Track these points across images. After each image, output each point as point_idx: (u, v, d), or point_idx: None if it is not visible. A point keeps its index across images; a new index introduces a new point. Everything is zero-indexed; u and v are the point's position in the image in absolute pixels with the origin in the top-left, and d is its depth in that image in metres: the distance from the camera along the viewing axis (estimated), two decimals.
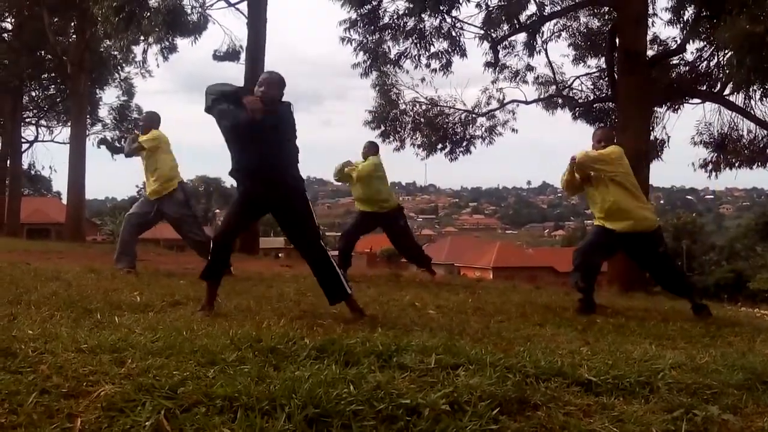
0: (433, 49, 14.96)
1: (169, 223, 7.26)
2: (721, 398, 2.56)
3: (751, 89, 12.70)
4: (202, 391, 2.10)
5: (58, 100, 27.28)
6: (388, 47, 15.04)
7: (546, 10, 15.10)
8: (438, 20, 14.81)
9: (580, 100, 16.41)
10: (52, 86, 27.04)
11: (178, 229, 7.21)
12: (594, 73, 16.32)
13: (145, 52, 16.61)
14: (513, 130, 16.89)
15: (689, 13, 14.32)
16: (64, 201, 26.88)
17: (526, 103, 16.65)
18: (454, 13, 14.70)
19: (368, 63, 15.07)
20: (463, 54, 15.06)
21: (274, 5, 72.08)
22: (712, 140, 15.26)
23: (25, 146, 27.90)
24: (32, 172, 31.64)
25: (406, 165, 38.13)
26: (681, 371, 2.84)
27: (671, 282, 5.72)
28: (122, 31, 13.90)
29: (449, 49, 14.98)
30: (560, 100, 16.64)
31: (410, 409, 2.11)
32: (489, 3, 14.67)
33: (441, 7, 14.35)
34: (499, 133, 16.79)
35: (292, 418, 1.98)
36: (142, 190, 7.39)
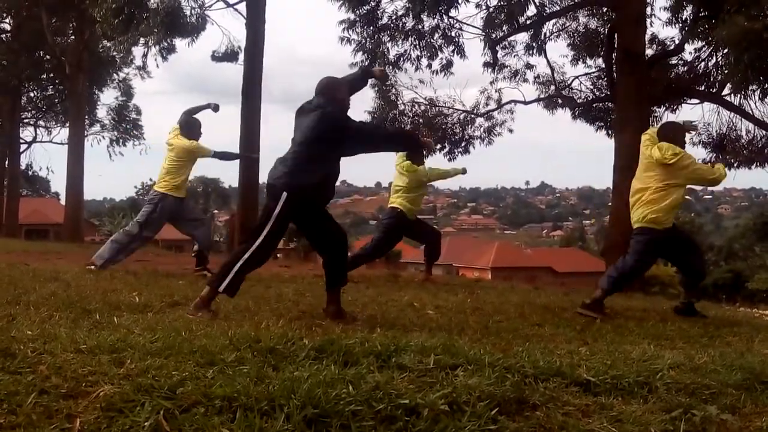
0: (432, 50, 14.98)
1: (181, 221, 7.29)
2: (719, 398, 2.56)
3: (749, 88, 12.71)
4: (201, 391, 2.10)
5: (56, 100, 27.31)
6: (387, 48, 15.06)
7: (546, 11, 15.12)
8: (436, 20, 14.83)
9: (579, 100, 16.42)
10: (51, 87, 27.09)
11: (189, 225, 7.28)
12: (593, 73, 16.35)
13: (145, 55, 16.56)
14: (509, 130, 16.92)
15: (687, 12, 14.35)
16: (63, 201, 26.90)
17: (525, 103, 16.66)
18: (452, 13, 14.73)
19: (367, 63, 15.07)
20: (462, 54, 15.08)
21: (272, 6, 72.19)
22: (710, 140, 15.28)
23: (23, 147, 27.97)
24: (30, 173, 31.68)
25: None
26: (679, 371, 2.84)
27: (695, 265, 5.71)
28: (122, 32, 13.88)
29: (443, 47, 14.98)
30: (560, 100, 16.65)
31: (409, 410, 2.11)
32: (488, 3, 14.71)
33: (440, 8, 14.36)
34: (498, 133, 16.82)
35: (291, 418, 1.98)
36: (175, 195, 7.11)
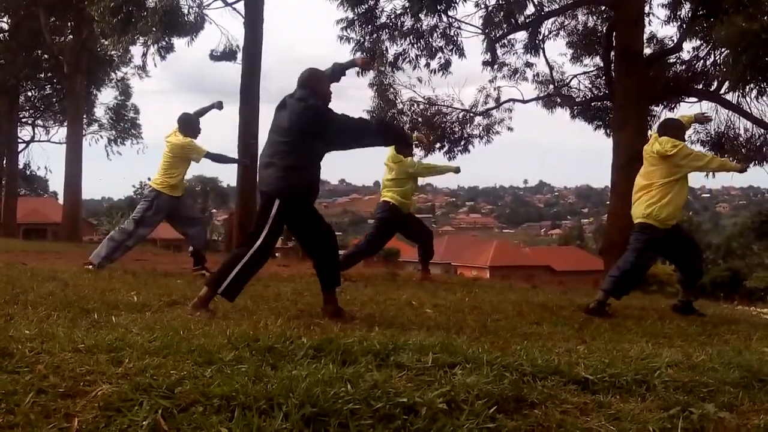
0: (431, 50, 14.98)
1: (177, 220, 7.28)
2: (717, 396, 2.56)
3: (747, 87, 12.73)
4: (200, 390, 2.10)
5: (54, 100, 27.29)
6: (386, 47, 15.07)
7: (544, 9, 15.14)
8: (435, 20, 14.84)
9: (578, 99, 16.43)
10: (49, 86, 27.05)
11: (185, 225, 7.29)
12: (592, 71, 16.37)
13: (143, 54, 16.53)
14: (509, 129, 16.94)
15: (686, 10, 14.36)
16: (61, 201, 26.88)
17: (524, 101, 16.68)
18: (451, 12, 14.74)
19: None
20: (461, 54, 15.08)
21: (271, 5, 72.07)
22: (708, 139, 15.31)
23: (21, 146, 27.94)
24: (28, 172, 31.65)
25: None
26: (677, 369, 2.85)
27: (695, 265, 5.70)
28: (120, 32, 13.86)
29: (444, 48, 14.98)
30: (558, 99, 16.67)
31: (407, 408, 2.11)
32: (487, 2, 14.72)
33: (438, 7, 14.36)
34: (497, 131, 16.83)
35: (290, 417, 1.98)
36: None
